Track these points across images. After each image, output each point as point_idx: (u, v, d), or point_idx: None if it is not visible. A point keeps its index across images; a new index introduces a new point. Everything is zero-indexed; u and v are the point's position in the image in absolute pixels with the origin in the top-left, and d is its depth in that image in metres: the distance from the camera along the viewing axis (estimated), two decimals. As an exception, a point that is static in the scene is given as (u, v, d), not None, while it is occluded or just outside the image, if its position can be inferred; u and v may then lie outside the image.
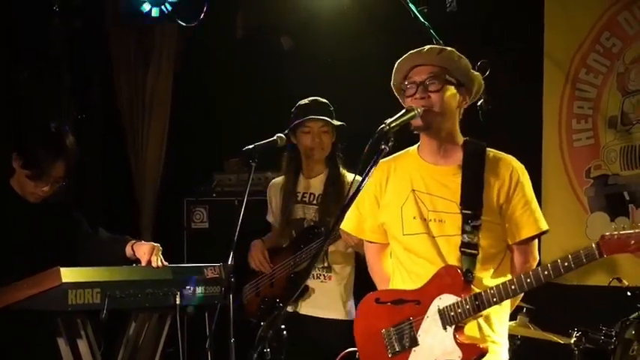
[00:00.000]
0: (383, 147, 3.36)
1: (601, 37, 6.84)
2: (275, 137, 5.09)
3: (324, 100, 5.59)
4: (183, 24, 7.33)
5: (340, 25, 7.16)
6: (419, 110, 3.60)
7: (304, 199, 5.58)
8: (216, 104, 7.74)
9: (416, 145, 3.89)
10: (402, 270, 3.84)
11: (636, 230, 3.24)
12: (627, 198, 6.72)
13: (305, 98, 5.62)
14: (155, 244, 4.40)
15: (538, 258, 3.83)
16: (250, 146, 4.86)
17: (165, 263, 4.34)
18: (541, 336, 5.21)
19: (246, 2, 7.55)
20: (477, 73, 3.83)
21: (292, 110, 5.61)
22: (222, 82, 7.71)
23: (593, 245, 3.29)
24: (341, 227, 3.84)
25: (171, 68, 7.70)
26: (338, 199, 5.37)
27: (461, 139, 3.83)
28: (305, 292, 5.34)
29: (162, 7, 7.17)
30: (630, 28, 6.77)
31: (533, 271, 3.45)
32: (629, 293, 4.96)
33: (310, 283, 5.36)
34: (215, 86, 7.71)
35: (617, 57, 6.81)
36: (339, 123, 5.54)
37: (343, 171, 5.56)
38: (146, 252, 4.37)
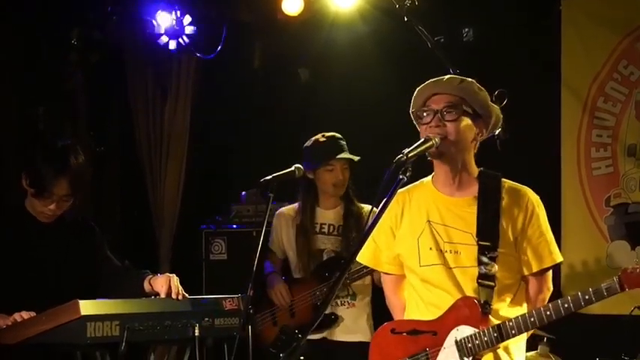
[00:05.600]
0: (401, 177, 3.31)
1: (619, 65, 6.84)
2: (293, 168, 5.10)
3: (340, 136, 5.70)
4: (201, 56, 7.39)
5: (356, 56, 7.24)
6: (436, 140, 3.58)
7: (323, 230, 5.68)
8: (234, 135, 7.74)
9: (430, 176, 3.89)
10: (418, 301, 3.83)
11: None
12: None
13: (320, 131, 5.73)
14: (171, 275, 4.39)
15: (552, 289, 3.82)
16: (268, 177, 4.86)
17: (185, 294, 4.32)
18: (563, 365, 5.18)
19: (263, 34, 7.55)
20: (496, 106, 3.83)
21: (307, 146, 5.71)
22: (239, 114, 7.76)
23: (615, 279, 3.30)
24: (357, 259, 3.76)
25: (188, 100, 7.71)
26: (358, 230, 5.48)
27: (476, 170, 3.82)
28: (335, 320, 5.48)
29: (180, 39, 7.20)
30: None
31: (553, 304, 3.45)
32: None
33: (338, 310, 5.53)
34: (232, 118, 7.74)
35: (635, 85, 6.81)
36: (358, 158, 5.63)
37: (359, 203, 5.68)
38: (163, 284, 4.36)
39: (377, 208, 3.29)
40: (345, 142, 5.68)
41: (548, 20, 6.95)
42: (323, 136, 5.71)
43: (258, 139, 7.64)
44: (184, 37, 7.23)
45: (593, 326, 5.69)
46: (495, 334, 3.51)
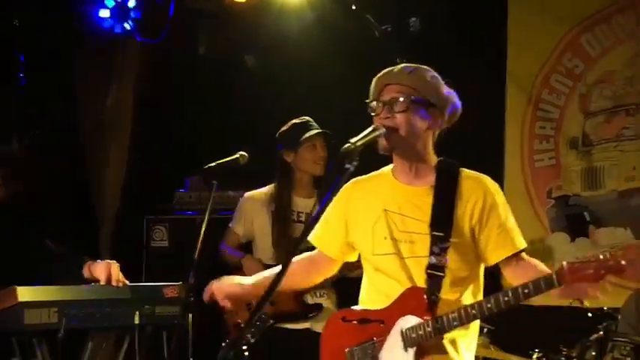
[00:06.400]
0: (347, 166, 3.26)
1: (563, 58, 6.94)
2: (237, 155, 5.01)
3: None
4: (145, 40, 7.32)
5: (305, 43, 7.20)
6: (382, 130, 3.55)
7: (300, 218, 5.61)
8: (177, 122, 7.67)
9: (391, 165, 3.83)
10: (372, 289, 3.80)
11: (595, 260, 3.21)
12: (587, 219, 6.81)
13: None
14: (111, 262, 4.33)
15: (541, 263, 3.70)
16: (212, 164, 4.79)
17: (125, 281, 4.27)
18: (502, 357, 5.20)
19: (209, 20, 7.49)
20: (453, 94, 3.73)
21: (284, 130, 5.67)
22: (183, 100, 7.68)
23: (553, 275, 3.26)
24: (309, 238, 3.78)
25: (132, 85, 7.61)
26: None
27: (434, 159, 3.75)
28: (320, 310, 5.48)
29: (125, 23, 7.12)
30: (592, 49, 6.88)
31: (494, 296, 3.39)
32: (589, 314, 4.95)
33: (320, 300, 5.52)
34: (176, 104, 7.66)
35: (579, 78, 6.91)
36: (334, 141, 5.58)
37: None
38: (103, 271, 4.30)
39: (325, 194, 3.29)
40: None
41: (494, 11, 6.98)
42: (298, 119, 5.69)
43: (205, 125, 7.58)
44: (130, 21, 7.14)
45: (533, 318, 5.71)
46: (437, 326, 3.47)
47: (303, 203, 5.62)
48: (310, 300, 5.51)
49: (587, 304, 4.93)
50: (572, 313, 5.03)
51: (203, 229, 4.49)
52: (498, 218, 3.65)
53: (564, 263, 3.23)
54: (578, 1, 6.92)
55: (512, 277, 3.61)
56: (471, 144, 6.40)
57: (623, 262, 3.16)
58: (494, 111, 6.89)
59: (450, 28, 6.95)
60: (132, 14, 7.16)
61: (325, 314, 5.37)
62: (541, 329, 6.01)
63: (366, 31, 6.39)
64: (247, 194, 5.82)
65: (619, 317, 5.10)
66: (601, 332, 4.88)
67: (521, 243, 3.68)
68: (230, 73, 7.59)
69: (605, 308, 4.98)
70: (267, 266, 5.38)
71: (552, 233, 6.85)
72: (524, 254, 3.67)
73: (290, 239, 5.51)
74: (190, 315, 4.33)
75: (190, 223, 6.76)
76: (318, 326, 5.37)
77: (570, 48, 6.92)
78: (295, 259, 3.82)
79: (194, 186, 7.05)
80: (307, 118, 5.69)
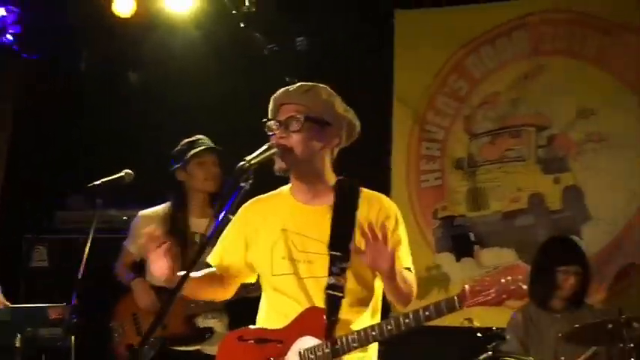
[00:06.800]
0: (242, 184, 3.26)
1: (449, 79, 7.04)
2: (122, 173, 4.97)
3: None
4: (25, 56, 7.13)
5: (192, 60, 7.12)
6: (276, 149, 3.52)
7: (196, 239, 5.45)
8: (58, 139, 7.45)
9: (289, 185, 3.78)
10: (270, 310, 3.74)
11: (497, 283, 3.21)
12: (473, 239, 6.91)
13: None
14: None
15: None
16: (96, 182, 4.73)
17: (7, 303, 4.13)
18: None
19: (92, 35, 7.31)
20: (351, 112, 3.72)
21: (175, 150, 5.55)
22: (64, 116, 7.49)
23: (455, 297, 3.24)
24: (207, 260, 3.78)
25: (10, 100, 7.38)
26: None
27: (333, 178, 3.71)
28: (211, 333, 5.33)
29: (4, 37, 6.90)
30: (477, 70, 7.00)
31: (394, 318, 3.36)
32: (479, 334, 4.99)
33: (211, 323, 5.37)
34: (57, 120, 7.46)
35: (464, 99, 7.01)
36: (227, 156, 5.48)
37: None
38: (-20, 293, 4.16)
39: (219, 214, 3.25)
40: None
41: (382, 31, 7.02)
42: (191, 137, 5.60)
43: (88, 141, 7.40)
44: (8, 35, 6.93)
45: (423, 338, 5.65)
46: (336, 347, 3.42)
47: (198, 223, 5.48)
48: (201, 323, 5.38)
49: (476, 323, 5.09)
50: (461, 333, 5.10)
51: (87, 249, 4.44)
52: (392, 237, 3.58)
53: (466, 286, 3.22)
54: (465, 22, 6.99)
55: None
56: (358, 164, 6.37)
57: (524, 287, 3.18)
58: (381, 132, 6.91)
59: (338, 48, 6.95)
60: (11, 29, 6.93)
61: (216, 338, 5.26)
62: (432, 350, 6.03)
63: (254, 50, 6.32)
64: (142, 212, 5.67)
65: (507, 337, 5.16)
66: (490, 352, 4.90)
67: (407, 263, 3.66)
68: (115, 89, 7.45)
69: (494, 328, 5.03)
70: (158, 290, 5.33)
71: (438, 253, 6.89)
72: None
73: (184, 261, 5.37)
74: (73, 337, 4.21)
75: (71, 243, 6.56)
76: (208, 348, 5.29)
77: (456, 69, 7.02)
78: (204, 270, 3.84)
79: (76, 205, 6.86)
80: (200, 136, 5.59)
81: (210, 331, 5.37)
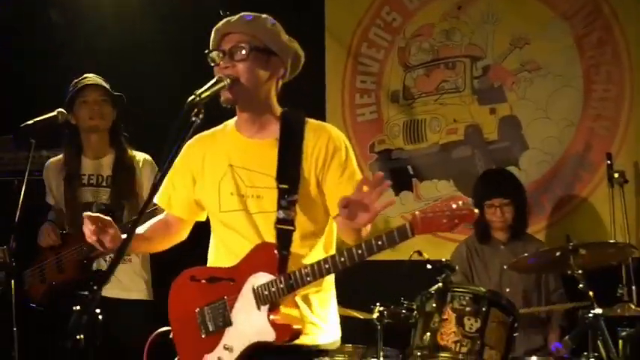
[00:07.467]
0: (193, 119, 3.18)
1: (382, 11, 6.95)
2: (55, 112, 4.85)
3: (97, 75, 5.43)
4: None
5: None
6: (227, 81, 3.42)
7: (91, 181, 5.35)
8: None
9: (234, 119, 3.71)
10: (220, 248, 3.68)
11: (448, 209, 3.13)
12: (411, 172, 6.88)
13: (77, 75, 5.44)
14: None
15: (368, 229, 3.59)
16: (29, 122, 4.62)
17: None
18: (343, 313, 5.06)
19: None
20: (295, 43, 3.65)
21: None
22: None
23: (407, 224, 3.13)
24: (155, 200, 3.73)
25: None
26: (129, 180, 5.24)
27: (278, 110, 3.66)
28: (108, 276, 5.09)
29: None
30: (410, 2, 6.92)
31: (347, 249, 3.27)
32: (429, 266, 4.91)
33: (104, 265, 5.14)
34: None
35: (397, 31, 6.93)
36: (118, 94, 5.39)
37: (131, 150, 5.41)
38: None
39: (171, 150, 3.17)
40: (102, 80, 5.40)
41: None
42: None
43: (10, 82, 7.10)
44: None
45: (373, 272, 5.63)
46: (290, 281, 3.36)
47: (92, 165, 5.37)
48: (96, 266, 5.21)
49: (426, 255, 5.01)
50: (412, 265, 5.06)
51: (22, 190, 4.41)
52: (340, 166, 3.55)
53: (417, 213, 3.13)
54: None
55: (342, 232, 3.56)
56: (292, 100, 6.28)
57: (476, 211, 3.12)
58: (314, 66, 6.74)
59: None
60: None
61: (113, 280, 5.10)
62: (382, 283, 6.04)
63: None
64: (48, 161, 5.55)
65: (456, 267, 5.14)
66: (440, 284, 4.85)
67: None
68: (34, 28, 7.22)
69: (443, 260, 4.97)
70: (62, 235, 5.24)
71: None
72: None
73: (77, 204, 5.27)
74: (13, 280, 4.23)
75: (6, 185, 6.35)
76: (107, 292, 5.03)
77: (388, 1, 6.94)
78: (149, 224, 3.81)
79: (6, 146, 6.63)
80: (88, 74, 5.41)
81: (100, 272, 5.16)
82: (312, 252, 3.57)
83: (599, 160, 6.24)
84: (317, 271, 3.35)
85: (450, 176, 6.75)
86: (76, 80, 5.38)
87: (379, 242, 3.19)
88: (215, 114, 3.43)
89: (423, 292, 4.89)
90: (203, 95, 3.25)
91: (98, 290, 3.01)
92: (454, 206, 3.11)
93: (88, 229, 3.53)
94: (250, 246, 3.49)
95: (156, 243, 3.87)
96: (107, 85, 5.39)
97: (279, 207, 3.48)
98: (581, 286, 4.87)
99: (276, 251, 3.44)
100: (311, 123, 3.64)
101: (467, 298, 4.78)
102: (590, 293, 4.82)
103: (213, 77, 3.44)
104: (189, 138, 3.27)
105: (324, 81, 7.01)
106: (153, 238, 3.81)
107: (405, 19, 6.90)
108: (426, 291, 4.87)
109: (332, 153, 3.55)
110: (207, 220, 3.74)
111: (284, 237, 3.47)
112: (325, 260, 3.34)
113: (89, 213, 3.55)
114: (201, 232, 3.83)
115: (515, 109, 6.62)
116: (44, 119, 4.74)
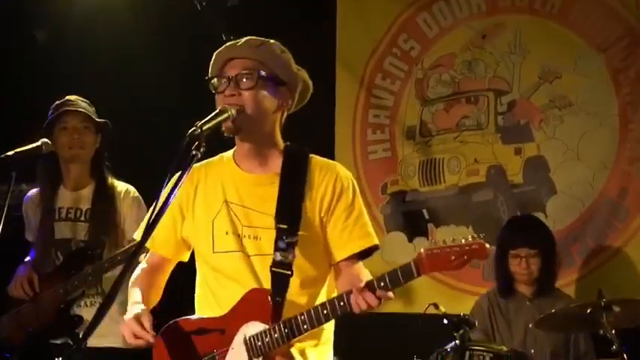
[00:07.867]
0: (194, 152, 3.06)
1: (399, 38, 6.72)
2: (40, 142, 4.49)
3: (81, 98, 5.13)
4: None
5: (109, 18, 6.77)
6: (232, 112, 3.26)
7: (70, 215, 5.03)
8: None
9: (232, 150, 3.57)
10: (209, 296, 3.50)
11: (456, 245, 3.00)
12: (426, 216, 6.63)
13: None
14: None
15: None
16: (10, 153, 4.29)
17: None
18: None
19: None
20: (303, 72, 3.51)
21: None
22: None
23: (411, 262, 3.02)
24: (135, 235, 3.66)
25: None
26: (109, 213, 4.96)
27: (281, 144, 3.52)
28: (80, 323, 4.82)
29: None
30: (430, 30, 6.68)
31: (346, 293, 3.12)
32: (445, 321, 4.74)
33: (84, 312, 4.86)
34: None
35: (415, 61, 6.71)
36: (102, 120, 5.08)
37: (112, 180, 5.11)
38: None
39: (168, 186, 3.08)
40: (87, 104, 5.10)
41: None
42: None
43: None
44: None
45: (387, 326, 5.57)
46: (286, 330, 3.19)
47: (71, 197, 5.05)
48: (73, 311, 4.91)
49: (442, 309, 4.85)
50: (427, 320, 4.92)
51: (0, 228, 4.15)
52: (347, 209, 3.42)
53: (422, 250, 3.02)
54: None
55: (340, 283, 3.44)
56: (300, 134, 5.99)
57: (487, 245, 3.00)
58: (323, 98, 6.45)
59: (275, 7, 6.64)
60: None
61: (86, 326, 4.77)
62: (393, 339, 5.77)
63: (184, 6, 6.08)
64: (27, 194, 5.26)
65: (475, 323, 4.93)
66: (457, 341, 4.67)
67: (373, 240, 3.45)
68: (19, 49, 6.98)
69: (462, 314, 4.78)
70: (41, 276, 4.93)
71: (388, 233, 6.55)
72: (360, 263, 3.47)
73: (54, 242, 4.99)
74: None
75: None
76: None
77: (406, 28, 6.68)
78: (138, 273, 3.63)
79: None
80: (72, 97, 5.11)
81: (79, 319, 4.86)
82: (312, 301, 3.38)
83: (635, 207, 5.93)
84: (314, 318, 3.19)
85: (470, 222, 6.40)
86: (57, 102, 5.08)
87: (381, 283, 3.06)
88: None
89: (438, 349, 4.78)
90: (205, 127, 3.12)
91: (83, 341, 2.92)
92: (463, 241, 3.01)
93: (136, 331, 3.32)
94: (244, 292, 3.34)
95: (154, 294, 3.61)
96: (91, 109, 5.09)
97: (277, 249, 3.34)
98: (614, 347, 4.68)
99: (269, 298, 3.29)
100: (317, 160, 3.53)
101: (487, 358, 4.68)
102: (625, 356, 4.64)
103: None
104: (188, 172, 3.10)
105: (334, 114, 6.78)
106: (150, 298, 3.54)
107: (424, 47, 6.63)
108: (442, 348, 4.76)
109: (339, 194, 3.43)
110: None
111: (280, 282, 3.32)
112: (323, 305, 3.19)
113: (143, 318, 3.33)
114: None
115: (542, 149, 6.26)
116: (27, 150, 4.42)
